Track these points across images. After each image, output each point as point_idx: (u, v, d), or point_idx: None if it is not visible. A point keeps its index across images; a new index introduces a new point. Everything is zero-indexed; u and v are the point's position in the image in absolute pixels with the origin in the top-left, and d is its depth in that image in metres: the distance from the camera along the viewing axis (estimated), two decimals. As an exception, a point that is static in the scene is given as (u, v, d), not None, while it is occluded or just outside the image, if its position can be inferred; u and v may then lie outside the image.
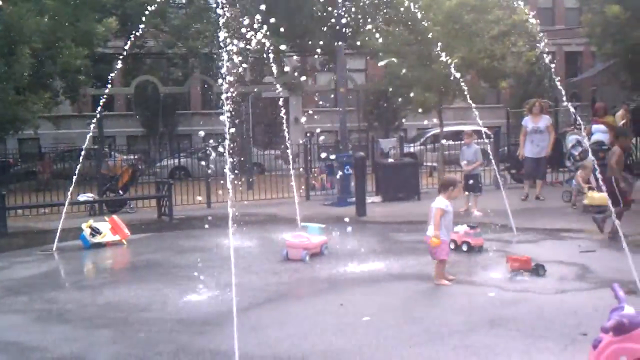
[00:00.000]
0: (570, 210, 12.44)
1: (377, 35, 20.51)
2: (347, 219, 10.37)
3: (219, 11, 9.91)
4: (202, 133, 13.79)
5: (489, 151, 13.71)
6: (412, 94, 19.13)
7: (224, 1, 10.04)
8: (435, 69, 19.19)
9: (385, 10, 23.50)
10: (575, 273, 7.59)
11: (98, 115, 12.72)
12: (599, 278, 7.27)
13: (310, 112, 24.73)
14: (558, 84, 11.22)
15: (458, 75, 12.89)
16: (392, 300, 6.79)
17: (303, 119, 26.73)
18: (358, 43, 21.33)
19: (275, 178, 17.16)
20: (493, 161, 13.96)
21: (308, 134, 24.90)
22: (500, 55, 19.94)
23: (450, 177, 8.10)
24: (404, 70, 17.79)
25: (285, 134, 12.82)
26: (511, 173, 16.47)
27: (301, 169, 17.02)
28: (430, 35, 19.10)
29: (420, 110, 20.07)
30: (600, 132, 13.57)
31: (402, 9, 21.29)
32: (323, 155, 16.24)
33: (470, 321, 5.86)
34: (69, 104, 25.58)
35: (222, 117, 6.96)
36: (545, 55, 12.39)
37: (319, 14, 22.10)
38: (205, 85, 29.05)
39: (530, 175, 14.14)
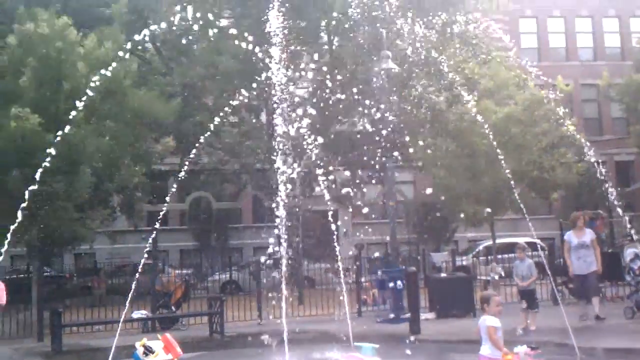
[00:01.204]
0: (633, 327, 11.90)
1: (425, 149, 20.85)
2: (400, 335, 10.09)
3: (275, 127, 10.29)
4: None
5: (545, 264, 13.40)
6: (461, 208, 19.12)
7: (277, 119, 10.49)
8: (485, 181, 19.30)
9: (431, 125, 24.00)
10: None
11: (154, 233, 13.06)
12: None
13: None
14: (612, 194, 11.10)
15: (513, 185, 12.83)
16: None
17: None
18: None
19: (326, 292, 17.00)
20: (549, 275, 13.59)
21: (356, 246, 24.89)
22: (550, 166, 19.99)
23: (484, 293, 7.94)
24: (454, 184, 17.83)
25: (335, 246, 12.85)
26: (569, 288, 15.94)
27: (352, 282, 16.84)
28: (477, 148, 19.40)
29: (470, 223, 19.98)
30: (660, 245, 13.18)
31: (447, 121, 21.85)
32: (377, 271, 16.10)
33: None
34: (125, 219, 26.31)
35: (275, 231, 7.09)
36: (596, 165, 12.34)
37: (367, 128, 22.67)
38: (257, 200, 29.60)
39: (581, 294, 13.13)
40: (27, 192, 9.37)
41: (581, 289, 12.98)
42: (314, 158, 12.89)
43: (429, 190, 20.74)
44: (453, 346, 11.22)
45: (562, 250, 18.93)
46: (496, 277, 16.71)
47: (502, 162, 13.22)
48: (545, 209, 31.51)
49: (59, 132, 11.14)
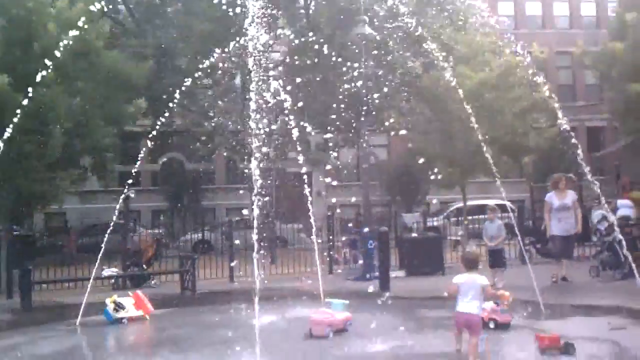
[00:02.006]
0: (598, 286, 12.19)
1: (398, 114, 20.94)
2: (370, 292, 10.27)
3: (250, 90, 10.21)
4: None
5: (514, 225, 13.57)
6: (435, 170, 19.27)
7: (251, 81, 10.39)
8: (457, 145, 19.44)
9: (406, 90, 24.03)
10: (606, 351, 7.39)
11: (125, 193, 12.93)
12: (631, 357, 7.07)
13: (333, 183, 24.94)
14: (581, 159, 11.23)
15: (485, 149, 12.85)
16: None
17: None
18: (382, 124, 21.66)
19: (298, 252, 17.12)
20: (518, 235, 13.78)
21: (329, 208, 25.02)
22: (522, 131, 20.17)
23: (474, 252, 8.10)
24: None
25: (309, 207, 12.89)
26: (536, 248, 16.27)
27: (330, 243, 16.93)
28: (451, 113, 19.48)
29: (442, 185, 20.16)
30: (626, 207, 13.43)
31: (422, 87, 21.89)
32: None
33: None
34: (96, 179, 26.08)
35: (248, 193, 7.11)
36: (567, 131, 12.40)
37: (343, 92, 22.64)
38: (230, 161, 29.53)
39: (561, 255, 12.93)
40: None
41: (560, 251, 12.82)
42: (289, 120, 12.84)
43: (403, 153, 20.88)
44: (422, 302, 11.40)
45: (534, 211, 19.29)
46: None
47: (475, 126, 13.25)
48: (517, 173, 31.85)
49: (29, 92, 11.00)
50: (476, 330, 7.10)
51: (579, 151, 11.39)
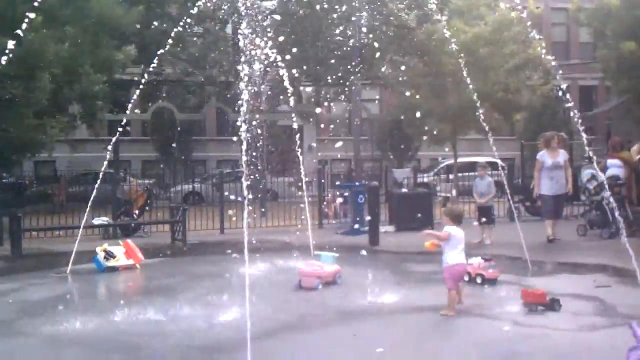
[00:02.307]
0: (584, 244, 12.34)
1: (391, 67, 20.77)
2: (362, 250, 10.36)
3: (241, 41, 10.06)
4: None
5: (504, 183, 13.62)
6: (425, 127, 19.23)
7: (243, 31, 10.22)
8: (449, 101, 19.37)
9: (400, 43, 23.76)
10: (591, 308, 7.52)
11: (113, 142, 12.83)
12: (615, 314, 7.19)
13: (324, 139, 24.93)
14: (576, 118, 11.20)
15: (478, 105, 12.78)
16: (406, 332, 6.75)
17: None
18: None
19: (289, 205, 17.14)
20: (507, 193, 13.85)
21: (320, 162, 25.03)
22: (515, 88, 20.09)
23: (459, 206, 8.23)
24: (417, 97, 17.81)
25: (300, 159, 12.89)
26: (525, 206, 16.39)
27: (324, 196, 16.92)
28: (444, 68, 19.35)
29: (433, 141, 20.13)
30: (615, 167, 13.44)
31: (416, 40, 21.63)
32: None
33: (484, 356, 5.83)
34: (86, 128, 25.88)
35: (239, 145, 7.07)
36: (561, 89, 12.34)
37: (335, 45, 22.36)
38: (222, 113, 29.31)
39: (552, 214, 12.70)
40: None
41: (551, 210, 12.69)
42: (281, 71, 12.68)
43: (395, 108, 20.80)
44: (410, 256, 11.53)
45: (524, 169, 19.36)
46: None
47: (468, 82, 13.15)
48: (508, 130, 31.91)
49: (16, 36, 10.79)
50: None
51: (575, 110, 11.36)
